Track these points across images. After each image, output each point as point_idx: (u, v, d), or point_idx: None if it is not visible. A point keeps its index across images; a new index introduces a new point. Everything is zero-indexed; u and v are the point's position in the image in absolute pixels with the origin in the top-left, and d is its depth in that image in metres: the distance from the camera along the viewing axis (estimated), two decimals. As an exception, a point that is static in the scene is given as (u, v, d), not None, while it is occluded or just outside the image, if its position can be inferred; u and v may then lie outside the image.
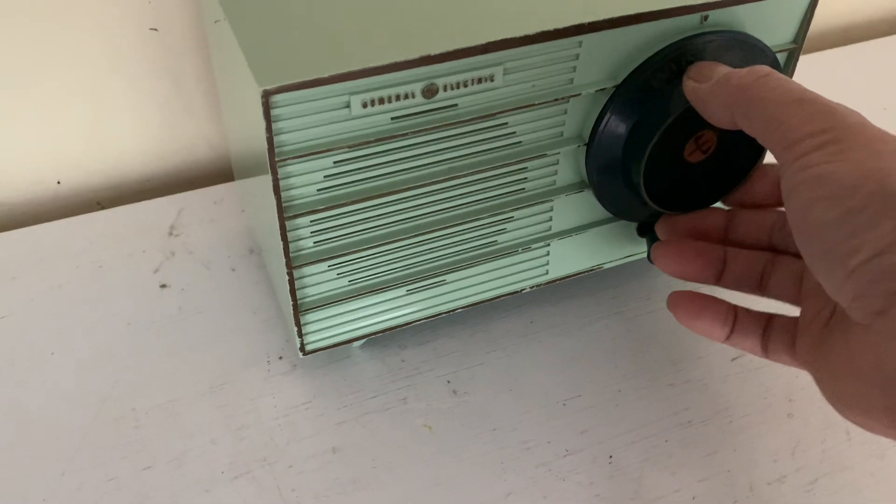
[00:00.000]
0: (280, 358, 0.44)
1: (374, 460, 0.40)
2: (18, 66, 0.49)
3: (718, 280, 0.39)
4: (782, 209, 0.39)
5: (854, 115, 0.29)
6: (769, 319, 0.37)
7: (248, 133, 0.37)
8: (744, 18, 0.38)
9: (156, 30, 0.51)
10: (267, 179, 0.34)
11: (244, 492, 0.38)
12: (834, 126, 0.29)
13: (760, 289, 0.38)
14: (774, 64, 0.39)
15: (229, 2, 0.35)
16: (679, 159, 0.39)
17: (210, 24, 0.41)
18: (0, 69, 0.49)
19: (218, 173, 0.59)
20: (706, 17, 0.37)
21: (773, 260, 0.38)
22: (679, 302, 0.38)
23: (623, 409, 0.42)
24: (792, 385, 0.43)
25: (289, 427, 0.41)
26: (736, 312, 0.37)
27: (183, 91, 0.54)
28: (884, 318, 0.26)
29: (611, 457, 0.40)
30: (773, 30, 0.39)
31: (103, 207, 0.57)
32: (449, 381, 0.43)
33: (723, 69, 0.34)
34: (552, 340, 0.45)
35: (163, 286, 0.48)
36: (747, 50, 0.38)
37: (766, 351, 0.37)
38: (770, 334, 0.36)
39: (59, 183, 0.55)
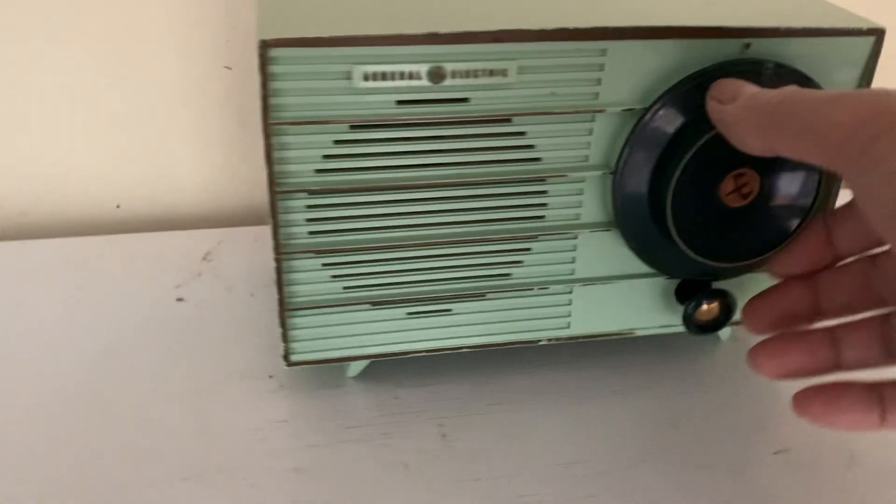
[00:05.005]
0: (270, 376, 0.41)
1: (334, 489, 0.35)
2: (93, 87, 0.52)
3: (838, 365, 0.33)
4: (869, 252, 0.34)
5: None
6: None
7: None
8: (794, 54, 0.35)
9: (230, 68, 0.54)
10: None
11: (198, 496, 0.35)
12: (888, 108, 0.25)
13: (892, 355, 0.32)
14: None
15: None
16: (714, 199, 0.36)
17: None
18: (77, 87, 0.52)
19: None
20: (748, 46, 0.35)
21: (888, 319, 0.32)
22: (808, 400, 0.31)
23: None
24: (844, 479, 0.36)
25: (257, 442, 0.38)
26: (879, 390, 0.30)
27: (246, 131, 0.56)
28: None
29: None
30: (828, 73, 0.36)
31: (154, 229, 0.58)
32: (440, 425, 0.39)
33: (750, 88, 0.31)
34: (567, 406, 0.40)
35: (179, 300, 0.47)
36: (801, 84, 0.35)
37: None
38: None
39: (118, 206, 0.57)
